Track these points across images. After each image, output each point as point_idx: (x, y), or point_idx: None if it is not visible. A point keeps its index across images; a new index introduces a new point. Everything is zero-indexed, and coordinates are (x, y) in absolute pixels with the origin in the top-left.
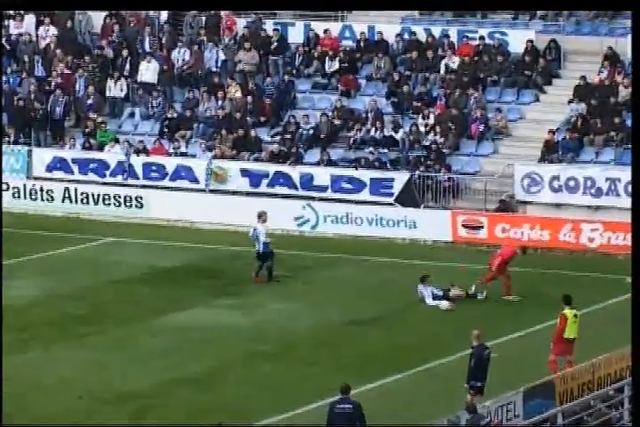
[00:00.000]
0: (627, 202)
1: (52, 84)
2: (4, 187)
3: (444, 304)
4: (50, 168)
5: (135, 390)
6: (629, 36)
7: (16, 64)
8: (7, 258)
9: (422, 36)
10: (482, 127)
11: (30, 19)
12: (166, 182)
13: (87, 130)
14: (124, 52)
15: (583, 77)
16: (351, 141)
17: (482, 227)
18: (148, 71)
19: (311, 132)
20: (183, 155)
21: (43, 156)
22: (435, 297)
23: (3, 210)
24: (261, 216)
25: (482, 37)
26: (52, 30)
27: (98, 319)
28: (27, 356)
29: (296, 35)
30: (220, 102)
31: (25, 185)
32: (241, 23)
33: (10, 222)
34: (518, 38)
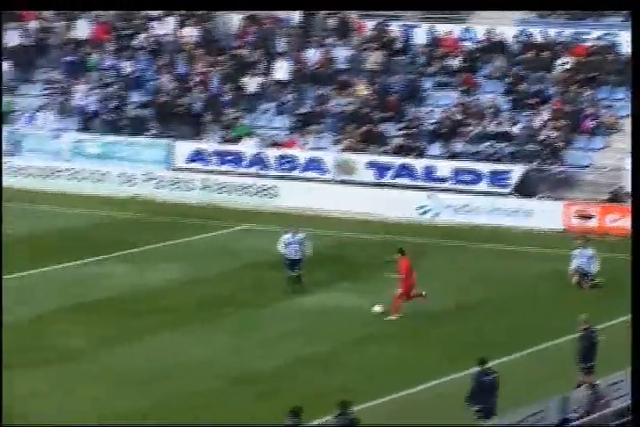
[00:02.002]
0: None
1: (193, 81)
2: (147, 177)
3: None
4: (190, 160)
5: (263, 370)
6: None
7: (159, 62)
8: (149, 244)
9: (538, 38)
10: (594, 123)
11: (173, 20)
12: (297, 173)
13: (224, 124)
14: (260, 52)
15: None
16: (471, 136)
17: (593, 217)
18: (282, 70)
19: (433, 127)
20: (313, 148)
21: (183, 148)
22: None
23: (142, 198)
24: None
25: (596, 38)
26: (194, 31)
27: (231, 303)
28: (165, 337)
29: (420, 36)
30: (348, 99)
31: (167, 176)
32: (369, 25)
33: (152, 210)
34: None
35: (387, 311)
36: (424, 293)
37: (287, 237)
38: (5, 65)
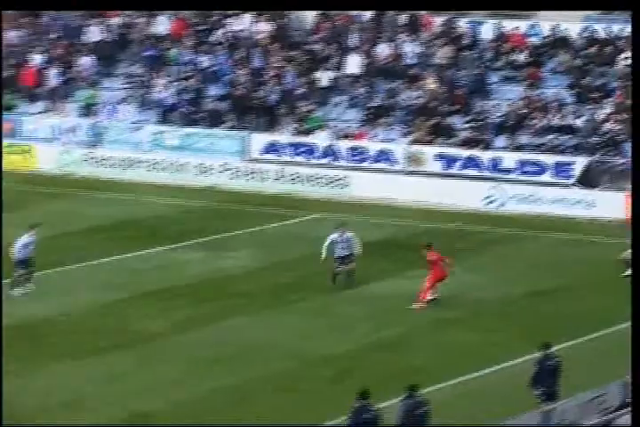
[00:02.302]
0: None
1: (268, 75)
2: (223, 168)
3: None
4: (264, 151)
5: (336, 353)
6: None
7: (236, 57)
8: (226, 231)
9: (602, 34)
10: None
11: (249, 17)
12: (368, 164)
13: (298, 117)
14: (333, 48)
15: None
16: (536, 129)
17: None
18: (354, 64)
19: (499, 120)
20: (384, 140)
21: (258, 140)
22: None
23: (219, 188)
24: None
25: None
26: (268, 27)
27: (304, 288)
28: (241, 320)
29: (487, 32)
30: (417, 93)
31: (242, 166)
32: (437, 21)
33: (228, 200)
34: None
35: (436, 298)
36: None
37: (334, 236)
38: (88, 59)
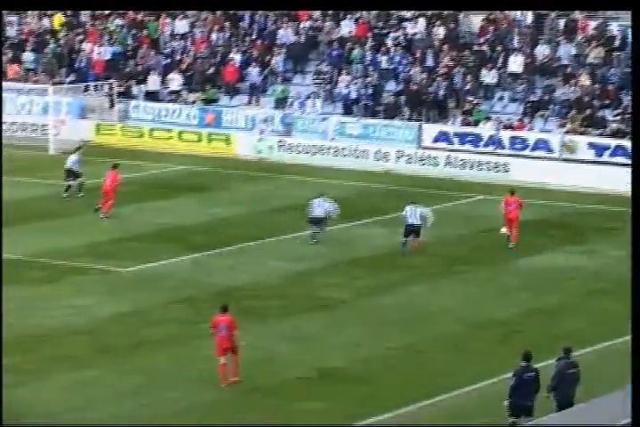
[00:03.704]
0: None
1: (439, 73)
2: (399, 154)
3: None
4: (435, 140)
5: (501, 317)
6: None
7: (412, 57)
8: (401, 211)
9: None
10: None
11: (422, 21)
12: (527, 152)
13: (465, 110)
14: (497, 48)
15: None
16: None
17: None
18: (516, 63)
19: None
20: (542, 130)
21: (430, 130)
22: None
23: (395, 172)
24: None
25: None
26: (441, 30)
27: (471, 261)
28: (416, 288)
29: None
30: (572, 88)
31: (416, 153)
32: (592, 25)
33: (403, 183)
34: None
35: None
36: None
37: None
38: (280, 58)
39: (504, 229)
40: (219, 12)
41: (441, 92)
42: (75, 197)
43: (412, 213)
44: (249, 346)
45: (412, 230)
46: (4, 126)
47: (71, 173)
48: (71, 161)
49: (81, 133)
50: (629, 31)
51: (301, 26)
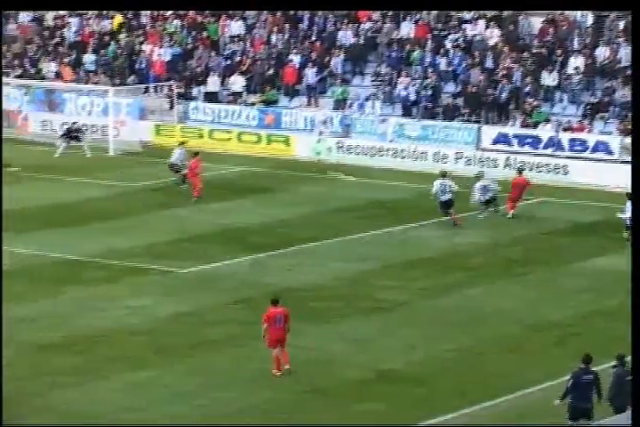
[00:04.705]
0: None
1: (499, 74)
2: (458, 156)
3: None
4: (495, 141)
5: (558, 319)
6: None
7: (470, 59)
8: (462, 212)
9: None
10: None
11: (482, 22)
12: (587, 154)
13: (525, 111)
14: (558, 50)
15: None
16: None
17: None
18: (575, 65)
19: None
20: (601, 132)
21: (489, 131)
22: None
23: (455, 174)
24: (445, 175)
25: None
26: (499, 32)
27: (531, 262)
28: (474, 290)
29: None
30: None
31: (475, 155)
32: None
33: (462, 184)
34: None
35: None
36: None
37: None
38: (339, 60)
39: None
40: (278, 13)
41: (501, 94)
42: (179, 190)
43: (444, 189)
44: (307, 347)
45: (449, 205)
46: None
47: (174, 167)
48: (174, 155)
49: (140, 134)
50: None
51: (361, 27)
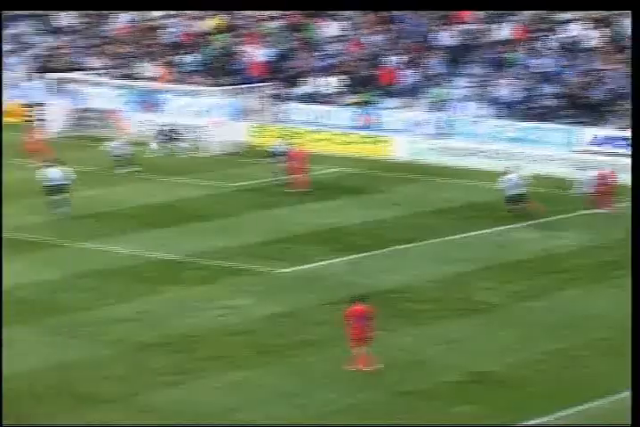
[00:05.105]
0: None
1: (596, 76)
2: (552, 158)
3: None
4: (591, 143)
5: None
6: None
7: (567, 60)
8: (556, 215)
9: None
10: None
11: (580, 24)
12: None
13: (621, 113)
14: None
15: None
16: None
17: None
18: None
19: None
20: None
21: (586, 133)
22: None
23: (548, 175)
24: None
25: None
26: (597, 33)
27: (625, 265)
28: (570, 292)
29: None
30: None
31: (570, 156)
32: None
33: (554, 186)
34: None
35: None
36: None
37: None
38: (436, 61)
39: None
40: (374, 14)
41: (597, 96)
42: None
43: (513, 183)
44: (403, 349)
45: (520, 199)
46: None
47: (271, 154)
48: (274, 146)
49: (237, 135)
50: None
51: (458, 28)
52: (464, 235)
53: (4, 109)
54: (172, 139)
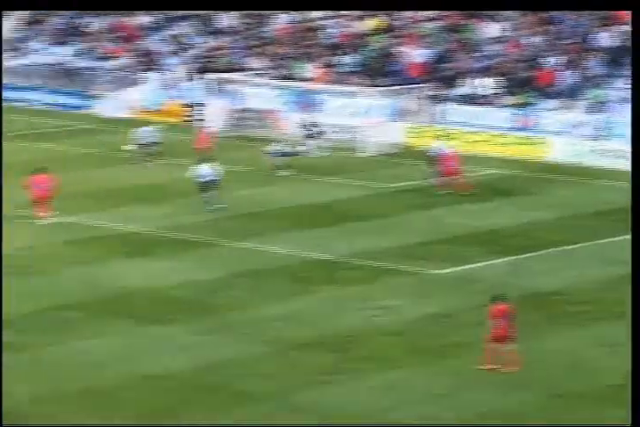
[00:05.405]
0: None
1: None
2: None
3: None
4: None
5: None
6: None
7: None
8: None
9: None
10: None
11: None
12: None
13: None
14: None
15: None
16: None
17: None
18: None
19: None
20: None
21: None
22: None
23: None
24: None
25: None
26: None
27: None
28: None
29: None
30: None
31: None
32: None
33: None
34: None
35: None
36: None
37: None
38: (595, 62)
39: None
40: (533, 15)
41: None
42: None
43: None
44: (560, 350)
45: None
46: (320, 129)
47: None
48: (432, 148)
49: (394, 136)
50: None
51: (618, 29)
52: (624, 237)
53: (164, 109)
54: (318, 138)
